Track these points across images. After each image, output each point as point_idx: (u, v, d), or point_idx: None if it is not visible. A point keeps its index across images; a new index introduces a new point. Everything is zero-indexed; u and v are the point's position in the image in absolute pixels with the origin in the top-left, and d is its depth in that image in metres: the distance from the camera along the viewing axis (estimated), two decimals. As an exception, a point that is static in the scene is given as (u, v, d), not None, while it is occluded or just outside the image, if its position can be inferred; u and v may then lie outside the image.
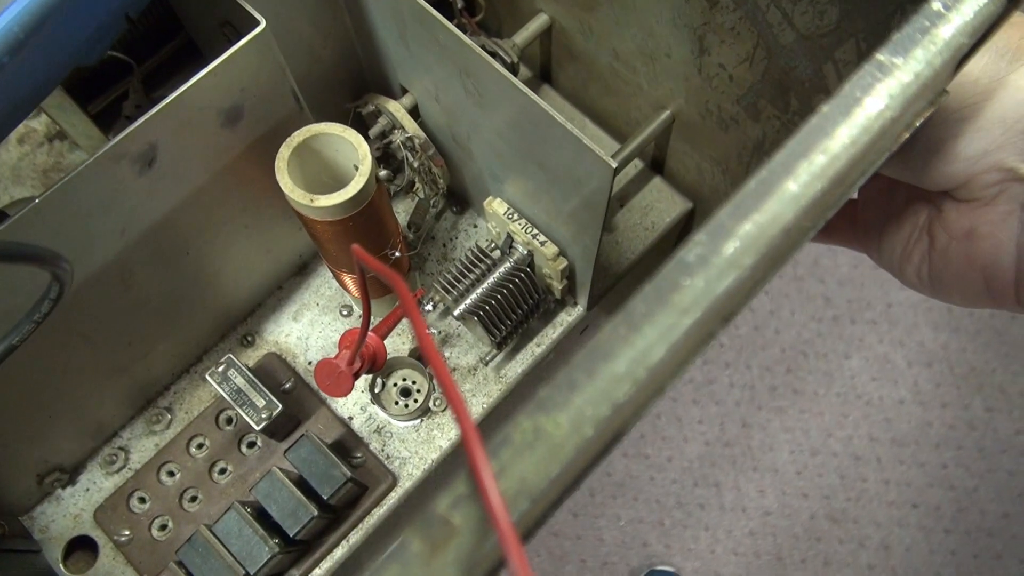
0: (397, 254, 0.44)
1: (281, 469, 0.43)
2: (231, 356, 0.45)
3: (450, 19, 0.49)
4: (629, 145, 0.48)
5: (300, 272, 0.52)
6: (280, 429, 0.47)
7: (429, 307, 0.51)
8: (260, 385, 0.44)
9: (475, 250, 0.47)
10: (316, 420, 0.48)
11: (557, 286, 0.47)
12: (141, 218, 0.38)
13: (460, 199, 0.54)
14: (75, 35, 0.30)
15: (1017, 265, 0.32)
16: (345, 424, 0.49)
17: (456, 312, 0.45)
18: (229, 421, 0.49)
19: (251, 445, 0.48)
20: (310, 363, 0.50)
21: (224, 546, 0.41)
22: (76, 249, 0.36)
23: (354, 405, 0.49)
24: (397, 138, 0.46)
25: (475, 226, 0.53)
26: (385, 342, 0.45)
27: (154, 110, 0.33)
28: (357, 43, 0.47)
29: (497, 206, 0.45)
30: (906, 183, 0.34)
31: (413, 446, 0.48)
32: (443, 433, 0.49)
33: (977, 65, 0.29)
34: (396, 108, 0.46)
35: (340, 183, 0.37)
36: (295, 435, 0.48)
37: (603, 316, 0.59)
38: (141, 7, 0.33)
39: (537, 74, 0.57)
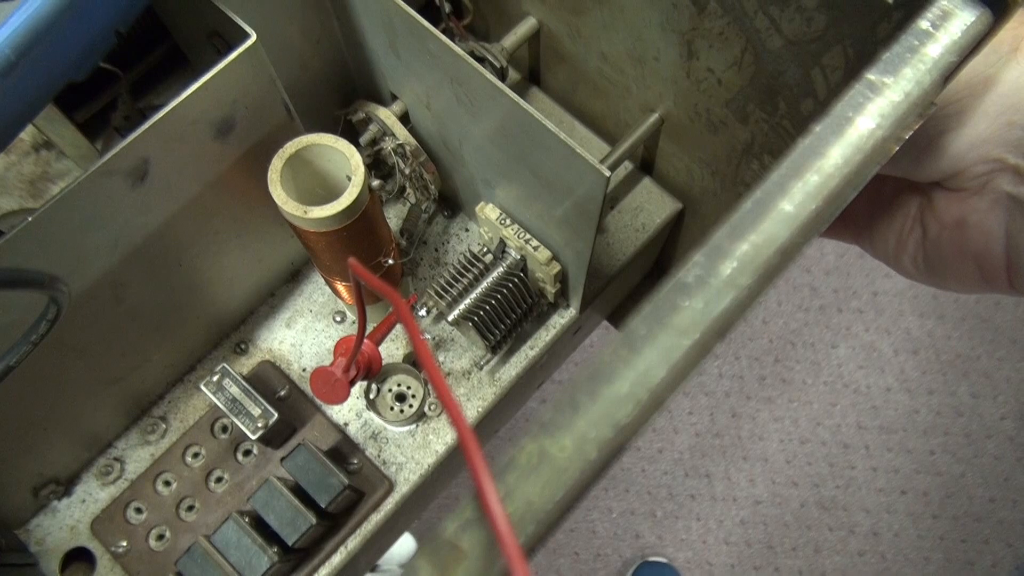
0: (390, 261, 0.44)
1: (278, 477, 0.43)
2: (225, 365, 0.45)
3: (437, 23, 0.50)
4: (619, 148, 0.48)
5: (292, 279, 0.52)
6: (276, 437, 0.47)
7: (423, 312, 0.51)
8: (255, 394, 0.45)
9: (467, 255, 0.47)
10: (312, 427, 0.49)
11: (550, 290, 0.47)
12: (134, 232, 0.38)
13: (451, 203, 0.54)
14: (66, 54, 0.30)
15: (1007, 251, 0.32)
16: (341, 430, 0.49)
17: (450, 317, 0.46)
18: (224, 429, 0.49)
19: (247, 453, 0.48)
20: (304, 370, 0.50)
21: (223, 556, 0.41)
22: (69, 264, 0.35)
23: (349, 411, 0.49)
24: (388, 145, 0.46)
25: (467, 230, 0.54)
26: (379, 348, 0.45)
27: (145, 125, 0.33)
28: (346, 51, 0.47)
29: (489, 212, 0.45)
30: (895, 175, 0.34)
31: (409, 451, 0.49)
32: (439, 438, 0.49)
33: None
34: (386, 115, 0.46)
35: (333, 193, 0.37)
36: (291, 442, 0.48)
37: (596, 317, 0.59)
38: (131, 22, 0.33)
39: (525, 76, 0.57)
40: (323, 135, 0.38)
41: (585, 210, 0.37)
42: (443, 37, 0.36)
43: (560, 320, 0.51)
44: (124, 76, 0.45)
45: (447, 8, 0.49)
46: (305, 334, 0.51)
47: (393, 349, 0.50)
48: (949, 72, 0.21)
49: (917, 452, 1.51)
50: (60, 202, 0.32)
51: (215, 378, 0.45)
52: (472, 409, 0.49)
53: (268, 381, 0.49)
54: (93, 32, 0.31)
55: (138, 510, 0.47)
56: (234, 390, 0.44)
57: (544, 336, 0.51)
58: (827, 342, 1.57)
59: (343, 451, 0.48)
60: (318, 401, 0.49)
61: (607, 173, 0.33)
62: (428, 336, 0.51)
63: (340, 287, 0.46)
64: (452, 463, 0.51)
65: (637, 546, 1.47)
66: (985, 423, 1.52)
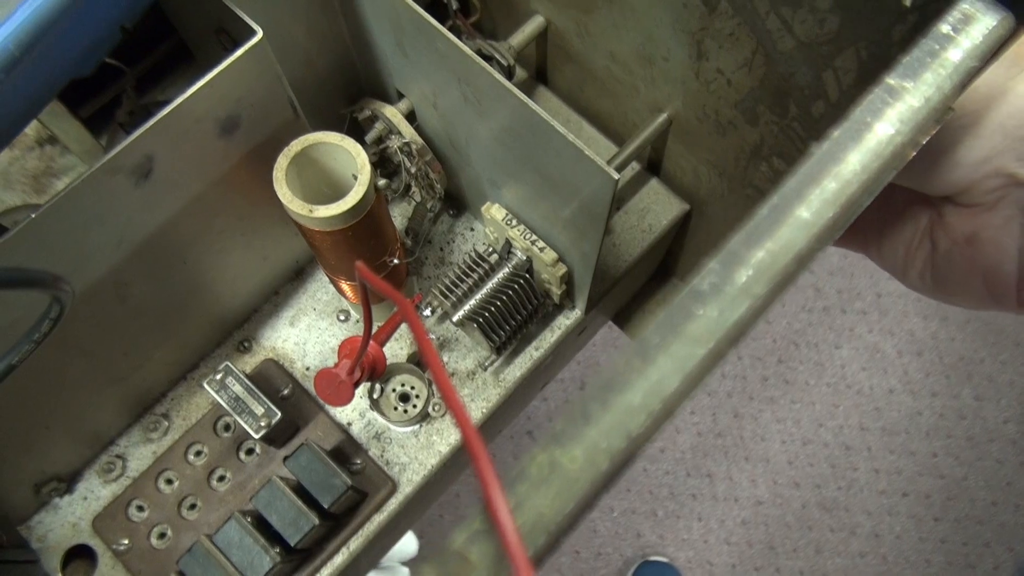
0: (396, 261, 0.43)
1: (281, 477, 0.43)
2: (229, 364, 0.44)
3: (444, 20, 0.49)
4: (626, 149, 0.48)
5: (296, 277, 0.52)
6: (279, 436, 0.47)
7: (427, 312, 0.50)
8: (258, 392, 0.44)
9: (473, 254, 0.47)
10: (315, 426, 0.48)
11: (556, 291, 0.46)
12: (137, 229, 0.37)
13: (457, 202, 0.53)
14: (70, 50, 0.29)
15: (1019, 269, 0.32)
16: (344, 430, 0.48)
17: (455, 318, 0.45)
18: (227, 428, 0.48)
19: (250, 452, 0.48)
20: (308, 368, 0.50)
21: (225, 556, 0.41)
22: (72, 262, 0.35)
23: (353, 411, 0.49)
24: (394, 143, 0.46)
25: (472, 229, 0.53)
26: (384, 348, 0.45)
27: (150, 123, 0.33)
28: (353, 48, 0.46)
29: (495, 212, 0.45)
30: (905, 186, 0.34)
31: (412, 451, 0.48)
32: (442, 438, 0.49)
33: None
34: (393, 113, 0.45)
35: (338, 192, 0.37)
36: (294, 442, 0.48)
37: (601, 318, 0.59)
38: (136, 17, 0.33)
39: (533, 75, 0.57)
40: (329, 133, 0.38)
41: (592, 212, 0.37)
42: (451, 36, 0.36)
43: (565, 321, 0.51)
44: (129, 72, 0.45)
45: (454, 5, 0.49)
46: (309, 332, 0.51)
47: (397, 349, 0.50)
48: (970, 77, 0.21)
49: (920, 454, 1.51)
50: (64, 199, 0.32)
51: (218, 376, 0.44)
52: (476, 410, 0.49)
53: (271, 379, 0.49)
54: (98, 28, 0.30)
55: (140, 508, 0.47)
56: (237, 388, 0.44)
57: (549, 337, 0.51)
58: (830, 343, 1.57)
59: (346, 451, 0.48)
60: (321, 400, 0.49)
61: (616, 176, 0.32)
62: (432, 336, 0.51)
63: (345, 286, 0.46)
64: (455, 464, 0.51)
65: (638, 545, 1.47)
66: (988, 426, 1.52)
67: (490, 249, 0.47)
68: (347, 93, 0.49)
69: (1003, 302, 0.34)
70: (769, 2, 0.35)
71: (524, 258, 0.46)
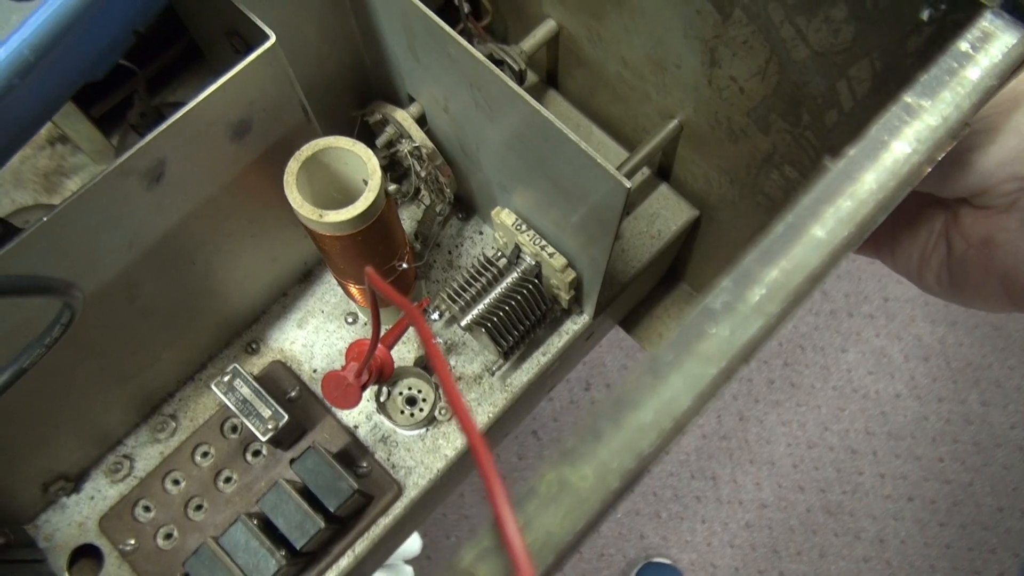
0: (404, 265, 0.43)
1: (287, 480, 0.43)
2: (236, 366, 0.45)
3: (456, 23, 0.49)
4: (637, 155, 0.47)
5: (305, 279, 0.52)
6: (286, 438, 0.47)
7: (435, 316, 0.50)
8: (266, 395, 0.44)
9: (482, 259, 0.47)
10: (322, 429, 0.48)
11: (564, 296, 0.46)
12: (148, 232, 0.37)
13: (466, 206, 0.53)
14: (84, 54, 0.29)
15: None
16: (351, 433, 0.48)
17: (463, 322, 0.45)
18: (234, 429, 0.48)
19: (256, 454, 0.48)
20: (315, 371, 0.50)
21: (231, 558, 0.41)
22: (83, 264, 0.35)
23: (359, 414, 0.49)
24: (404, 147, 0.46)
25: (481, 233, 0.53)
26: (391, 352, 0.45)
27: (162, 127, 0.33)
28: (364, 51, 0.46)
29: (505, 217, 0.45)
30: (919, 190, 0.34)
31: (419, 455, 0.48)
32: (449, 442, 0.49)
33: None
34: (404, 117, 0.45)
35: (349, 197, 0.37)
36: (301, 444, 0.48)
37: (609, 322, 0.58)
38: (149, 21, 0.33)
39: (544, 79, 0.56)
40: (340, 138, 0.38)
41: (603, 218, 0.37)
42: (462, 41, 0.35)
43: (573, 326, 0.51)
44: (141, 73, 0.45)
45: (466, 9, 0.48)
46: (317, 335, 0.51)
47: (404, 352, 0.50)
48: (988, 96, 0.21)
49: (925, 459, 1.50)
50: (75, 202, 0.32)
51: (226, 378, 0.44)
52: (483, 415, 0.49)
53: (279, 381, 0.49)
54: (112, 32, 0.30)
55: (146, 508, 0.47)
56: (245, 391, 0.44)
57: (556, 342, 0.50)
58: (837, 347, 1.57)
59: (352, 454, 0.48)
60: (328, 403, 0.49)
61: (628, 184, 0.32)
62: (440, 340, 0.51)
63: (353, 290, 0.46)
64: (461, 468, 0.51)
65: (641, 547, 1.47)
66: (995, 432, 1.51)
67: (499, 254, 0.47)
68: (358, 96, 0.49)
69: (1020, 304, 0.33)
70: (784, 11, 0.35)
71: (533, 263, 0.45)
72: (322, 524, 0.42)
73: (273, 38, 0.34)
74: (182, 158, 0.35)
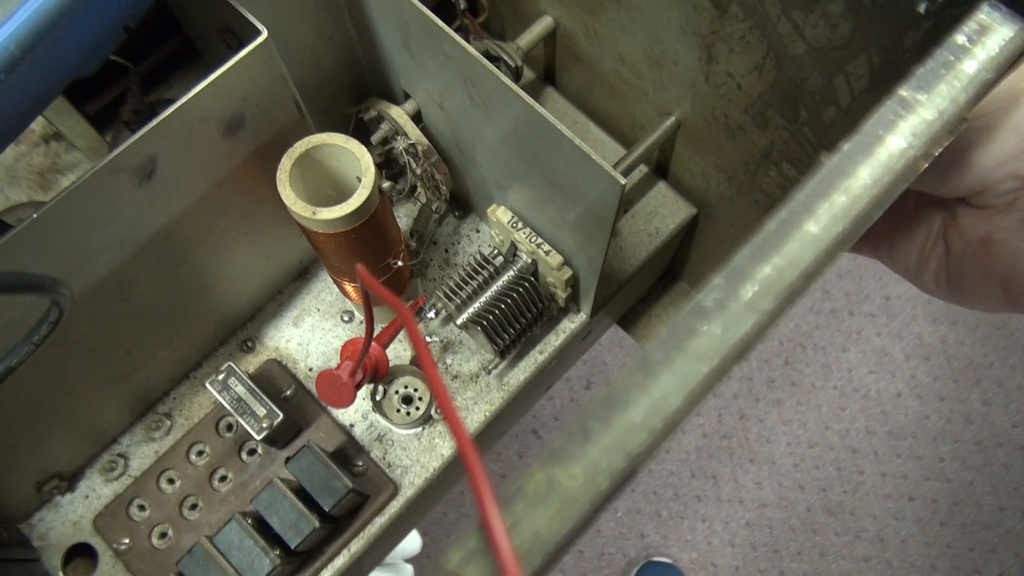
0: (400, 263, 0.43)
1: (282, 479, 0.43)
2: (231, 364, 0.44)
3: (453, 20, 0.49)
4: (634, 152, 0.47)
5: (300, 277, 0.52)
6: (281, 437, 0.47)
7: (431, 314, 0.50)
8: (260, 393, 0.44)
9: (478, 257, 0.46)
10: (317, 428, 0.48)
11: (561, 294, 0.46)
12: (140, 229, 0.37)
13: (462, 203, 0.53)
14: (73, 49, 0.29)
15: None
16: (346, 432, 0.48)
17: (459, 321, 0.45)
18: (229, 428, 0.48)
19: (251, 452, 0.48)
20: (311, 369, 0.50)
21: (225, 558, 0.41)
22: (74, 262, 0.35)
23: (355, 413, 0.49)
24: (399, 144, 0.45)
25: (477, 231, 0.53)
26: (387, 350, 0.44)
27: (154, 122, 0.32)
28: (359, 48, 0.46)
29: (501, 215, 0.44)
30: (917, 189, 0.33)
31: (415, 454, 0.48)
32: (445, 441, 0.48)
33: None
34: (399, 114, 0.45)
35: (342, 194, 0.37)
36: (296, 443, 0.48)
37: (606, 321, 0.58)
38: (139, 17, 0.33)
39: (540, 76, 0.56)
40: (333, 135, 0.37)
41: (599, 216, 0.37)
42: (457, 38, 0.35)
43: (570, 325, 0.50)
44: (134, 69, 0.45)
45: (462, 5, 0.48)
46: (312, 333, 0.51)
47: (400, 350, 0.50)
48: (986, 89, 0.21)
49: (926, 459, 1.50)
50: (66, 199, 0.31)
51: (221, 377, 0.44)
52: (479, 413, 0.49)
53: (274, 380, 0.49)
54: (101, 28, 0.30)
55: (141, 507, 0.47)
56: (240, 389, 0.44)
57: (554, 341, 0.50)
58: (838, 346, 1.56)
59: (348, 453, 0.48)
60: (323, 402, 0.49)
61: (622, 181, 0.32)
62: (436, 338, 0.50)
63: (348, 287, 0.45)
64: (457, 467, 0.50)
65: (642, 546, 1.47)
66: (996, 431, 1.51)
67: (495, 251, 0.47)
68: (353, 93, 0.49)
69: (1019, 304, 0.33)
70: (780, 6, 0.35)
71: (529, 261, 0.45)
72: (317, 523, 0.42)
73: (265, 34, 0.34)
74: (174, 155, 0.35)
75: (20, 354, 0.29)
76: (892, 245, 0.38)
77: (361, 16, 0.43)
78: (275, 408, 0.44)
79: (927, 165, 0.24)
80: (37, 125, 0.54)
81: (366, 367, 0.42)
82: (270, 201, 0.40)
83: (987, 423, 1.51)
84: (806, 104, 0.38)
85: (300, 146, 0.37)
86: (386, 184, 0.39)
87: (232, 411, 0.44)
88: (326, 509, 0.43)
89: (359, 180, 0.37)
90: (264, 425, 0.43)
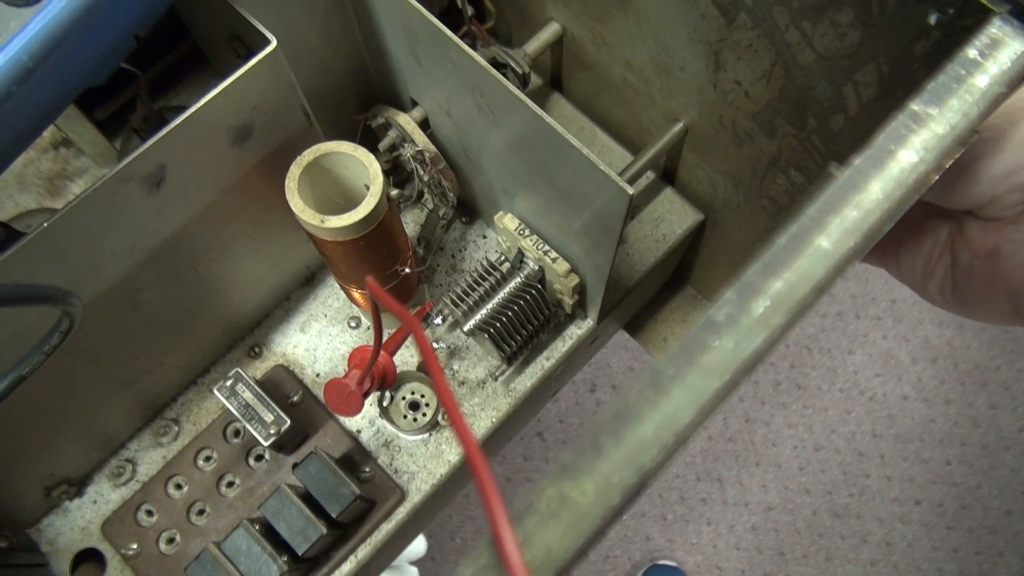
0: (407, 270, 0.43)
1: (289, 485, 0.43)
2: (239, 370, 0.44)
3: (460, 26, 0.49)
4: (641, 159, 0.47)
5: (308, 283, 0.52)
6: (288, 443, 0.47)
7: (438, 320, 0.50)
8: (268, 400, 0.44)
9: (485, 263, 0.46)
10: (324, 434, 0.48)
11: (568, 301, 0.46)
12: (149, 237, 0.37)
13: (469, 209, 0.53)
14: (84, 60, 0.29)
15: None
16: (353, 438, 0.48)
17: (466, 327, 0.45)
18: (237, 434, 0.48)
19: (259, 458, 0.48)
20: (318, 375, 0.50)
21: (233, 564, 0.41)
22: (84, 270, 0.35)
23: (362, 418, 0.49)
24: (407, 151, 0.45)
25: (484, 237, 0.53)
26: (394, 357, 0.44)
27: (163, 131, 0.32)
28: (367, 56, 0.46)
29: (508, 222, 0.44)
30: (925, 200, 0.33)
31: (422, 460, 0.48)
32: (452, 447, 0.48)
33: None
34: (406, 121, 0.45)
35: (351, 202, 0.37)
36: (303, 448, 0.48)
37: (613, 326, 0.58)
38: (150, 26, 0.33)
39: (548, 82, 0.56)
40: (342, 143, 0.37)
41: (606, 224, 0.37)
42: (465, 46, 0.35)
43: (577, 331, 0.50)
44: (143, 76, 0.45)
45: (470, 11, 0.48)
46: (319, 339, 0.51)
47: (407, 356, 0.50)
48: (997, 103, 0.21)
49: (933, 462, 1.49)
50: (76, 208, 0.32)
51: (228, 383, 0.44)
52: (486, 419, 0.49)
53: (281, 386, 0.49)
54: (112, 38, 0.30)
55: (149, 513, 0.47)
56: (247, 395, 0.44)
57: (560, 347, 0.50)
58: (844, 348, 1.56)
59: (355, 459, 0.48)
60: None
61: (630, 191, 0.32)
62: (443, 344, 0.50)
63: (356, 294, 0.45)
64: (465, 473, 0.50)
65: (647, 549, 1.46)
66: (1003, 434, 1.50)
67: (502, 258, 0.47)
68: (360, 100, 0.49)
69: None
70: (789, 15, 0.35)
71: (536, 268, 0.45)
72: (324, 530, 0.42)
73: (274, 42, 0.34)
74: (183, 163, 0.35)
75: (31, 363, 0.29)
76: (898, 255, 0.37)
77: (369, 24, 0.43)
78: (282, 414, 0.44)
79: (937, 177, 0.24)
80: (46, 131, 0.54)
81: (374, 375, 0.42)
82: (278, 208, 0.40)
83: (994, 426, 1.51)
84: (814, 112, 0.38)
85: (309, 154, 0.37)
86: (394, 192, 0.39)
87: (240, 417, 0.44)
88: (333, 516, 0.43)
89: (367, 188, 0.37)
90: (271, 431, 0.44)
